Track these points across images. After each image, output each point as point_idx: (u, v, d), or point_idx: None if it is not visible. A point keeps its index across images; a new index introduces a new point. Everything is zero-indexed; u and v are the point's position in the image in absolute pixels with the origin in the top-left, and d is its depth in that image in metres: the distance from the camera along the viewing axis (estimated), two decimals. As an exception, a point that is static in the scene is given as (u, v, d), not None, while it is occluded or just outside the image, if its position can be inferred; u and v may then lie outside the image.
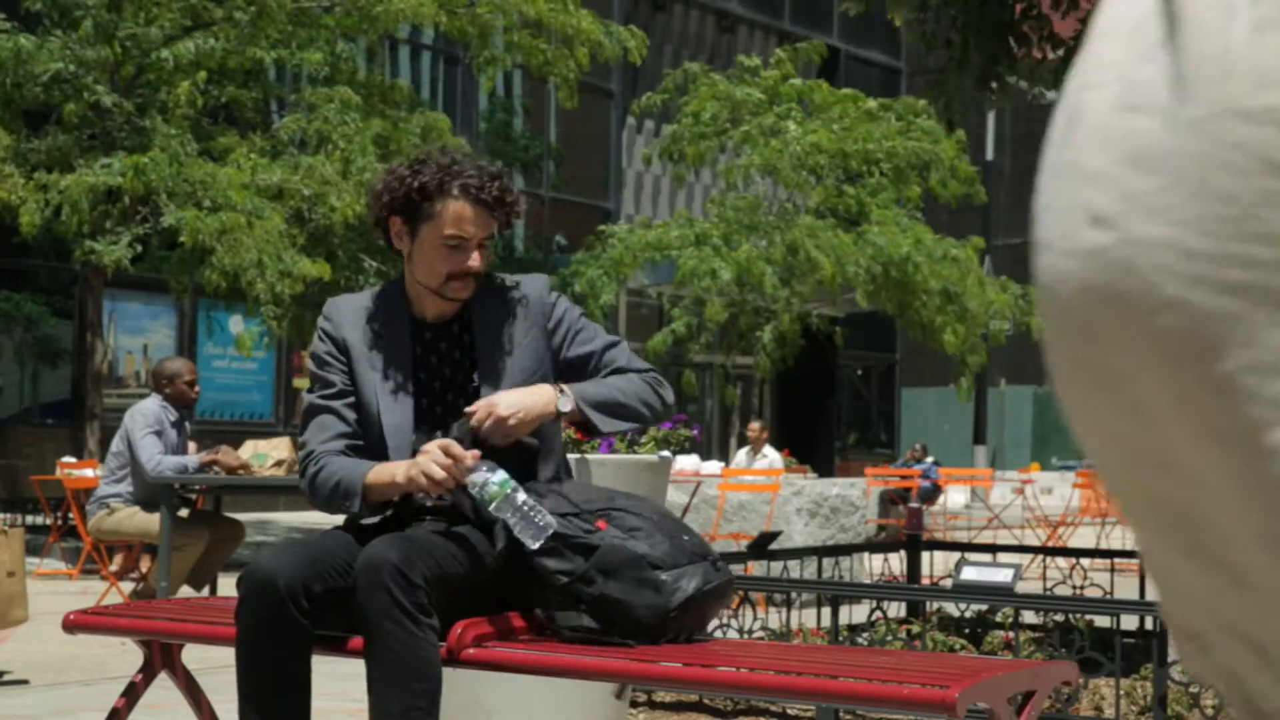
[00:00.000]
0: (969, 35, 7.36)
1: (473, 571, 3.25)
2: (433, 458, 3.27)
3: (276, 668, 3.16)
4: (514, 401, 3.34)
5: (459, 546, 3.26)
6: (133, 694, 3.48)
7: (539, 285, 3.60)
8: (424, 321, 3.56)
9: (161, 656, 3.52)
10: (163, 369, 9.09)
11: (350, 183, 13.86)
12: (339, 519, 3.54)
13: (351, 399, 3.50)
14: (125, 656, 7.19)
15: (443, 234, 3.46)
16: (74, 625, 3.55)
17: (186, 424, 9.21)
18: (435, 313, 3.55)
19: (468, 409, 3.38)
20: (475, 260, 3.48)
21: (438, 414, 3.50)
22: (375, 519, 3.43)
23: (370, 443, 3.48)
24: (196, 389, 9.10)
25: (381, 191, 3.54)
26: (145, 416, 8.89)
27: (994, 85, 7.44)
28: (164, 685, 3.63)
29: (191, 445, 9.52)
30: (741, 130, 19.89)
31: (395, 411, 3.49)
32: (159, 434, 8.87)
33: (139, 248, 13.70)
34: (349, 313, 3.57)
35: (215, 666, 3.21)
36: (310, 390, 3.56)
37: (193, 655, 3.65)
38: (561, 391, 3.39)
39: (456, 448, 3.28)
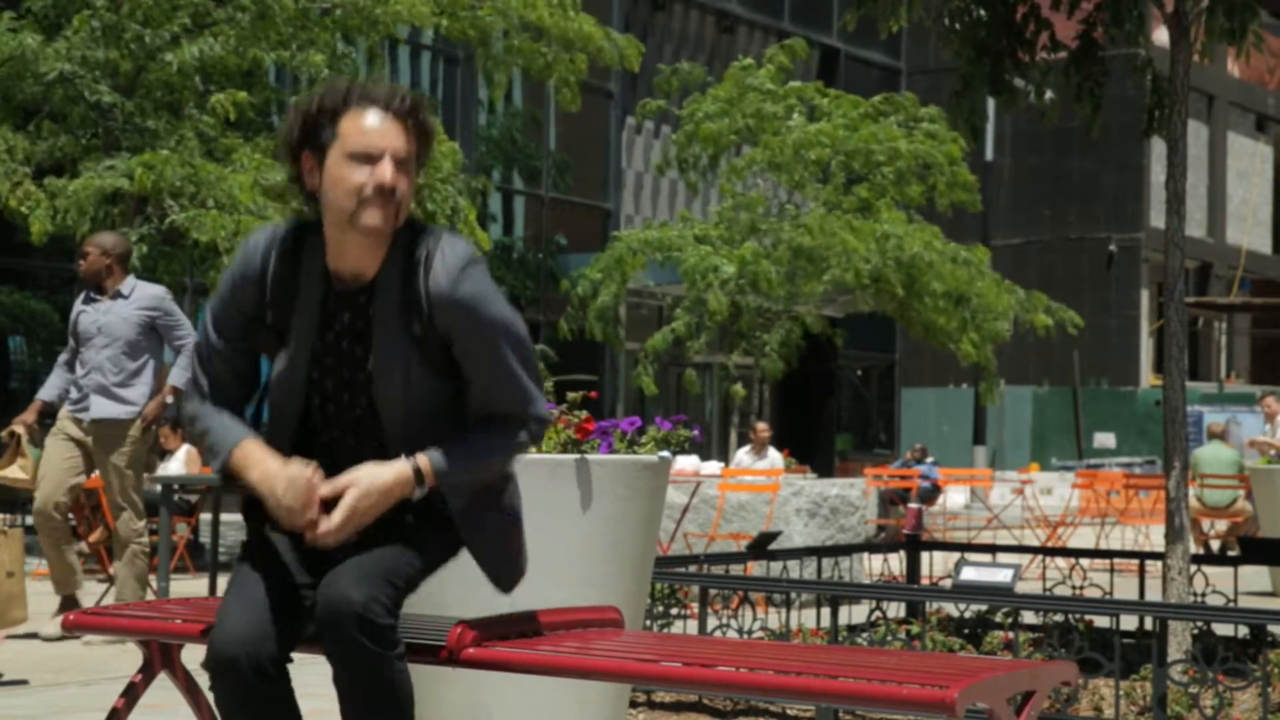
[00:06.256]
0: (979, 42, 7.35)
1: (436, 564, 3.20)
2: (291, 501, 2.99)
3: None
4: (356, 507, 3.00)
5: (414, 545, 3.14)
6: (132, 694, 3.48)
7: (455, 257, 3.03)
8: (337, 277, 3.09)
9: (161, 656, 3.52)
10: None
11: None
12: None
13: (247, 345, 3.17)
14: (125, 656, 7.19)
15: (347, 150, 2.99)
16: (74, 625, 3.55)
17: (100, 301, 7.71)
18: (350, 270, 3.08)
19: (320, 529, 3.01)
20: (387, 172, 2.98)
21: (328, 389, 3.14)
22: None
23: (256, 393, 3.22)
24: (80, 263, 7.68)
25: (288, 130, 3.07)
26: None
27: (1001, 91, 7.43)
28: (164, 685, 3.64)
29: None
30: (742, 122, 19.86)
31: (283, 383, 3.15)
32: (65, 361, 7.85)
33: (144, 248, 13.69)
34: (266, 246, 3.13)
35: (215, 667, 3.20)
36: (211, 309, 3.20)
37: (193, 655, 3.65)
38: (419, 483, 3.04)
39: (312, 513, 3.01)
